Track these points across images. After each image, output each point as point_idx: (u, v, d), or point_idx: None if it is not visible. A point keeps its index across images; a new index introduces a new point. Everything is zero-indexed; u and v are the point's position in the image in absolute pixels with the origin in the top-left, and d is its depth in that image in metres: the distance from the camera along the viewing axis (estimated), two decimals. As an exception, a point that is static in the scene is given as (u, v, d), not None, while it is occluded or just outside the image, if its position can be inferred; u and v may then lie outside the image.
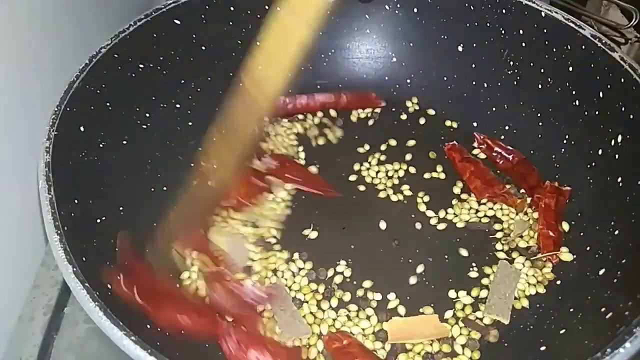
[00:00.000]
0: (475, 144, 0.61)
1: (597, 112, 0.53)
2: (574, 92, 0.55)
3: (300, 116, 0.64)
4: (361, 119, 0.64)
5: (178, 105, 0.58)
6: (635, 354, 0.36)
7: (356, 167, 0.60)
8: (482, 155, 0.60)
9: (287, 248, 0.53)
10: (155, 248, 0.50)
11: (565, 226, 0.53)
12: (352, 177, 0.59)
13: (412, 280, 0.51)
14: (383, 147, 0.61)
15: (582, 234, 0.52)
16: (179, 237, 0.51)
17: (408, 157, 0.60)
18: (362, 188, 0.58)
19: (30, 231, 0.52)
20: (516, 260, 0.52)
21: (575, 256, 0.51)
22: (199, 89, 0.60)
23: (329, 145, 0.62)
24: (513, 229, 0.54)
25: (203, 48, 0.59)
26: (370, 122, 0.64)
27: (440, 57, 0.64)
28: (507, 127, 0.61)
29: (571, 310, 0.47)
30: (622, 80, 0.50)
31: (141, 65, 0.55)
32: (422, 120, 0.64)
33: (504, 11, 0.58)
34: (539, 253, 0.52)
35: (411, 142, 0.62)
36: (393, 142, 0.62)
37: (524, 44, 0.58)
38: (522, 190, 0.57)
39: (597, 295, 0.46)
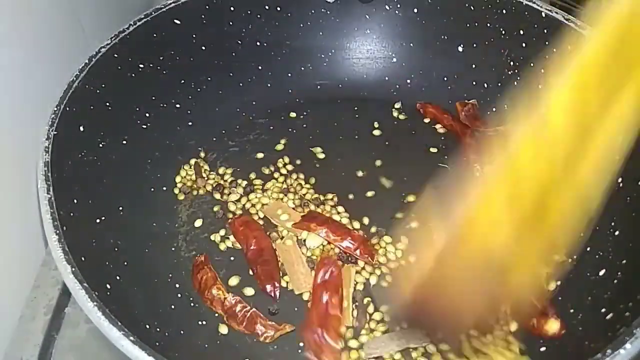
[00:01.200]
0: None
1: (597, 112, 0.53)
2: (574, 92, 0.55)
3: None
4: (361, 119, 0.64)
5: (178, 105, 0.58)
6: (636, 355, 0.36)
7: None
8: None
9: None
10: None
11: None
12: (352, 178, 0.59)
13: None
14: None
15: (582, 234, 0.52)
16: None
17: (408, 156, 0.60)
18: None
19: (31, 231, 0.52)
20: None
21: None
22: (199, 89, 0.60)
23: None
24: None
25: (203, 48, 0.59)
26: (371, 122, 0.64)
27: (441, 57, 0.64)
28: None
29: (571, 310, 0.47)
30: (623, 80, 0.50)
31: (141, 65, 0.55)
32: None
33: (504, 11, 0.58)
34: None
35: (411, 142, 0.62)
36: (393, 142, 0.62)
37: (524, 44, 0.58)
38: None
39: (597, 295, 0.46)
